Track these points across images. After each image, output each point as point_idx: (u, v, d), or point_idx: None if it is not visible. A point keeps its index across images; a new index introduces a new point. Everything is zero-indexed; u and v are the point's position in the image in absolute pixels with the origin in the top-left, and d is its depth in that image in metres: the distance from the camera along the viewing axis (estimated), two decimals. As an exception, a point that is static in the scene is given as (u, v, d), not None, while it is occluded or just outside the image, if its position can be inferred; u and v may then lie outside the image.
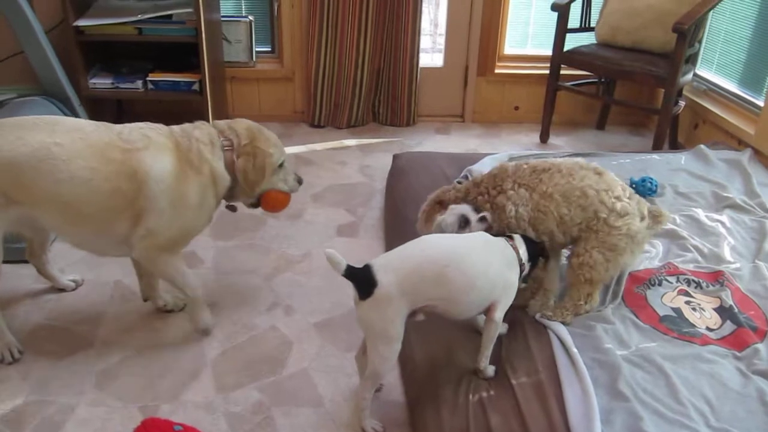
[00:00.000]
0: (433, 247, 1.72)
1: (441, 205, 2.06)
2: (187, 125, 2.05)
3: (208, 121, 3.42)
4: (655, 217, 2.07)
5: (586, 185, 1.97)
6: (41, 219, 1.89)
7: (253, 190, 2.10)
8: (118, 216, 1.90)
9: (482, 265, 1.71)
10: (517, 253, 1.81)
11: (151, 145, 1.91)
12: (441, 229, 1.95)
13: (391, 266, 1.63)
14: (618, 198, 1.98)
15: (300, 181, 2.24)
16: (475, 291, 1.69)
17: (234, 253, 2.64)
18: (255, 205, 2.20)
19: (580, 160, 2.09)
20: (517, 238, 1.85)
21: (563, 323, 1.98)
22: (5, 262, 1.98)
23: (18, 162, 1.78)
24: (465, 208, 1.97)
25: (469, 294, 1.69)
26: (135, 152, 1.88)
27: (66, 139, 1.83)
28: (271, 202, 2.18)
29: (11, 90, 3.33)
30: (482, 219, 1.96)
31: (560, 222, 1.98)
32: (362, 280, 1.61)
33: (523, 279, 1.84)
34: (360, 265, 1.63)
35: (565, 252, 2.17)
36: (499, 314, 1.75)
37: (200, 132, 2.02)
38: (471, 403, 1.72)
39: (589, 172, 2.02)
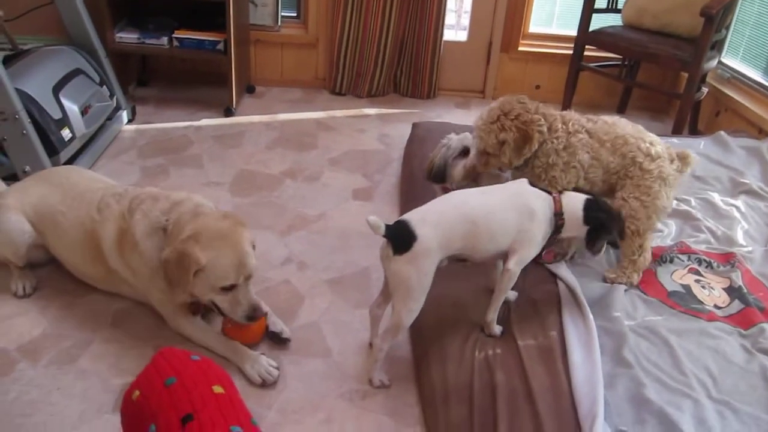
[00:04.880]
0: (465, 203, 1.78)
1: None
2: (145, 195, 2.00)
3: (231, 82, 3.47)
4: (683, 159, 2.13)
5: (627, 134, 2.09)
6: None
7: (172, 289, 1.85)
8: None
9: (502, 219, 1.77)
10: (558, 208, 1.81)
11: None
12: (446, 146, 2.23)
13: (428, 221, 1.68)
14: (651, 143, 2.08)
15: (251, 318, 1.83)
16: (493, 242, 1.77)
17: (251, 210, 2.67)
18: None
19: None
20: (571, 198, 1.84)
21: (630, 284, 2.07)
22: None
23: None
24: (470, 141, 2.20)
25: (488, 244, 1.77)
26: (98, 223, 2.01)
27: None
28: (232, 333, 1.92)
29: (38, 40, 3.37)
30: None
31: (606, 171, 2.09)
32: (400, 235, 1.66)
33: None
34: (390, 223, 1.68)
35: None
36: (513, 264, 1.78)
37: (146, 208, 1.95)
38: (476, 359, 1.76)
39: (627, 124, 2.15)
